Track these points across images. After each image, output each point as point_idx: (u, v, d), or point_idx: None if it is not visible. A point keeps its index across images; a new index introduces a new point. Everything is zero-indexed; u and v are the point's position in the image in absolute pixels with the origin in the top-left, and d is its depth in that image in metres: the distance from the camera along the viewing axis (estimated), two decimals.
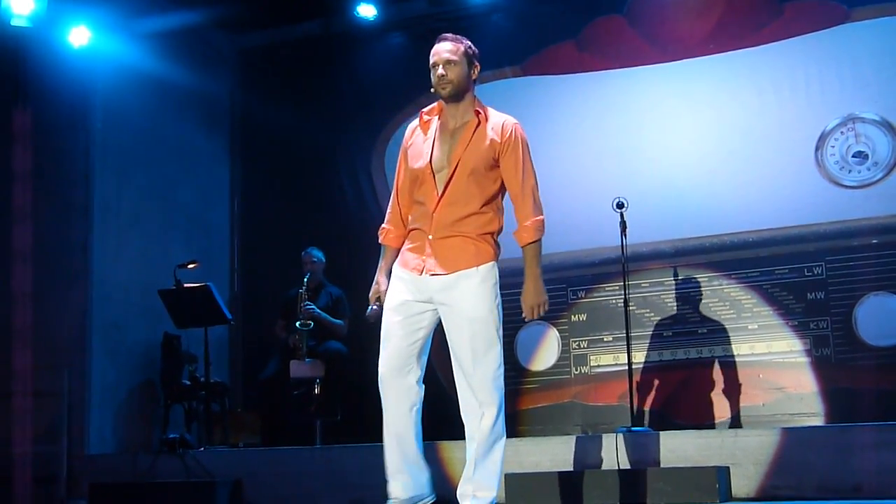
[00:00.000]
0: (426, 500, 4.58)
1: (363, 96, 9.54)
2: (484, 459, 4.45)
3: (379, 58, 9.46)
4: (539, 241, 4.56)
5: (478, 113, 4.57)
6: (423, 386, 4.55)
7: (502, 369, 4.47)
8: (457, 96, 4.53)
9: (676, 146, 8.42)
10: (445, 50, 4.56)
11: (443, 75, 4.50)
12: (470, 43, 4.65)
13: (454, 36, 4.64)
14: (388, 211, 4.79)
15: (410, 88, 8.65)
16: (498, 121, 4.56)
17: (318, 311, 8.25)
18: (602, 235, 8.03)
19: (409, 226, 4.60)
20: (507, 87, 8.89)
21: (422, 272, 4.47)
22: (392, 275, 4.60)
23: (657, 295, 8.30)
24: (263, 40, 10.02)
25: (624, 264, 7.53)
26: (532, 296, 4.54)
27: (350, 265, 9.01)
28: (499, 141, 4.50)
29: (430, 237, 4.47)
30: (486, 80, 8.82)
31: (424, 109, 4.68)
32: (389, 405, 4.49)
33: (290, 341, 8.25)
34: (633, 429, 6.78)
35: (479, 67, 4.64)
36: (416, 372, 4.50)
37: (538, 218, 4.57)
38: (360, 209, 9.36)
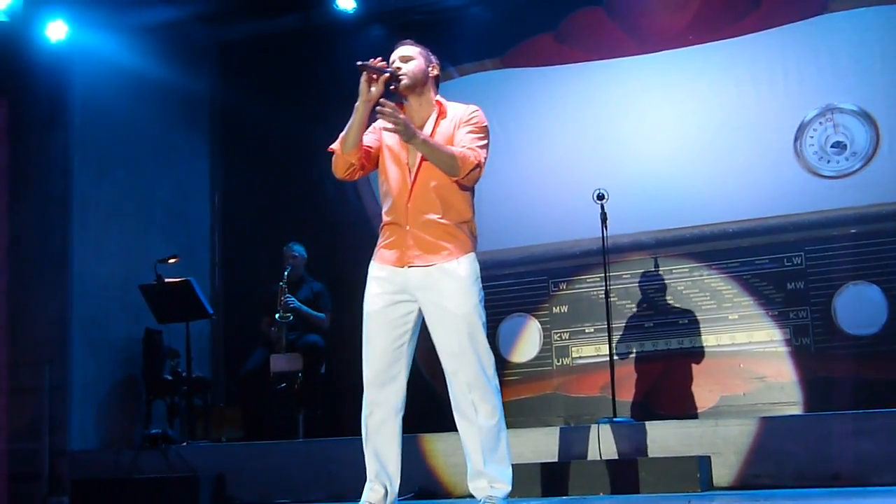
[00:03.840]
0: None
1: (343, 90, 9.40)
2: (493, 453, 4.38)
3: (358, 51, 9.32)
4: (454, 159, 4.38)
5: (439, 104, 4.61)
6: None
7: (493, 361, 4.45)
8: (415, 90, 4.54)
9: (656, 138, 8.42)
10: (402, 50, 4.61)
11: (398, 68, 4.52)
12: (427, 49, 4.67)
13: (412, 41, 4.68)
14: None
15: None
16: (459, 108, 4.60)
17: (299, 304, 8.26)
18: (582, 227, 8.05)
19: (384, 221, 4.57)
20: (487, 79, 8.89)
21: (403, 265, 4.44)
22: (369, 275, 4.55)
23: (638, 286, 8.31)
24: (243, 34, 9.98)
25: (604, 255, 7.54)
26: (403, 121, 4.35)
27: (331, 260, 9.04)
28: (458, 120, 4.54)
29: (408, 228, 4.44)
30: (465, 72, 8.86)
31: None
32: (372, 412, 4.45)
33: (271, 335, 8.27)
34: (615, 420, 6.79)
35: (437, 68, 4.66)
36: (403, 377, 4.46)
37: (471, 155, 4.44)
38: (341, 203, 9.35)
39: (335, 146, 4.57)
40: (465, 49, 8.89)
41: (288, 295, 8.21)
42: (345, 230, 9.29)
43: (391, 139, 4.58)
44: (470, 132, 4.51)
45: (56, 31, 8.42)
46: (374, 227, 8.76)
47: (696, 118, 8.38)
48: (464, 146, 4.45)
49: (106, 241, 8.77)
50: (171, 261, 8.35)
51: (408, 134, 4.33)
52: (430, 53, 4.67)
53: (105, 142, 8.84)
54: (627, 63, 8.64)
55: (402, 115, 4.32)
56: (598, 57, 8.75)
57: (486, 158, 4.50)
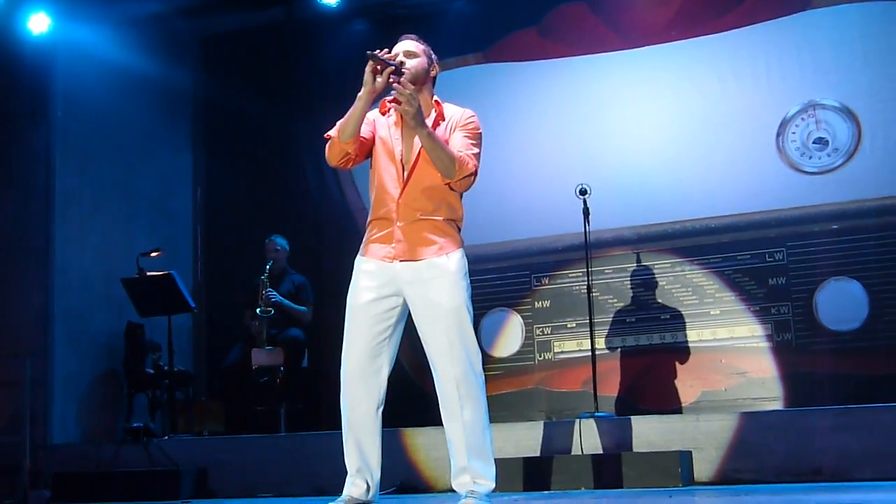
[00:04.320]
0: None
1: (326, 83, 9.52)
2: (478, 450, 4.37)
3: (342, 44, 9.42)
4: (453, 161, 4.36)
5: (438, 104, 4.60)
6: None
7: (480, 356, 4.43)
8: (414, 86, 4.46)
9: (639, 133, 8.47)
10: (406, 44, 4.59)
11: (403, 62, 4.50)
12: (430, 47, 4.66)
13: (416, 37, 4.65)
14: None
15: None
16: (456, 111, 4.58)
17: (280, 297, 8.25)
18: (565, 222, 8.04)
19: (372, 216, 4.54)
20: (470, 74, 8.90)
21: (392, 259, 4.41)
22: (356, 268, 4.52)
23: (620, 281, 8.34)
24: (226, 27, 9.95)
25: (587, 250, 7.52)
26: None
27: (313, 253, 9.07)
28: (455, 123, 4.52)
29: (399, 224, 4.42)
30: (448, 66, 8.80)
31: (386, 98, 4.61)
32: (353, 406, 4.43)
33: (252, 329, 8.27)
34: (597, 414, 6.80)
35: (437, 69, 4.65)
36: (385, 370, 4.44)
37: (469, 162, 4.43)
38: (324, 197, 9.36)
39: (332, 133, 4.51)
40: (447, 44, 8.83)
41: (269, 289, 8.20)
42: (327, 223, 9.31)
43: (385, 132, 4.56)
44: (466, 138, 4.49)
45: (38, 23, 8.38)
46: (356, 220, 8.92)
47: (678, 114, 8.42)
48: (460, 151, 4.44)
49: (88, 234, 8.75)
50: (154, 254, 8.35)
51: (417, 120, 4.31)
52: (431, 52, 4.65)
53: (87, 135, 8.81)
54: (611, 58, 8.68)
55: (415, 100, 4.30)
56: (582, 52, 8.77)
57: (478, 167, 4.48)
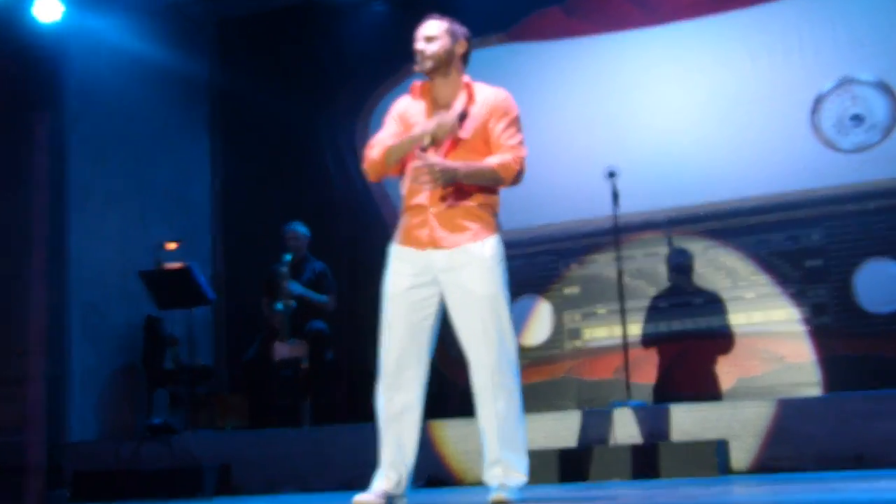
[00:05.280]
0: (403, 501, 4.51)
1: (345, 68, 9.50)
2: (511, 441, 4.35)
3: (361, 28, 9.40)
4: (496, 173, 4.38)
5: (468, 86, 4.54)
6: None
7: (517, 345, 4.41)
8: (439, 70, 4.49)
9: (668, 112, 8.42)
10: (426, 28, 4.55)
11: (421, 51, 4.48)
12: (457, 23, 4.60)
13: (439, 16, 4.60)
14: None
15: (395, 59, 8.61)
16: (489, 92, 4.54)
17: (301, 289, 8.22)
18: (593, 205, 8.05)
19: (406, 202, 4.52)
20: (493, 55, 8.82)
21: (425, 247, 4.41)
22: (390, 256, 4.51)
23: (651, 265, 8.30)
24: (242, 11, 9.95)
25: (616, 234, 7.50)
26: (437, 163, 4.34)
27: (334, 242, 9.08)
28: (490, 108, 4.48)
29: (432, 210, 4.41)
30: None
31: (417, 82, 4.62)
32: (392, 397, 4.40)
33: (273, 321, 8.25)
34: (630, 403, 6.75)
35: (466, 45, 4.58)
36: (425, 363, 4.42)
37: (513, 161, 4.41)
38: (344, 184, 9.35)
39: (374, 155, 4.53)
40: (468, 23, 8.65)
41: (290, 281, 8.17)
42: (348, 211, 9.31)
43: (417, 119, 4.53)
44: (506, 128, 4.46)
45: (50, 11, 8.36)
46: (378, 208, 8.91)
47: (709, 91, 8.35)
48: (501, 145, 4.42)
49: (104, 226, 8.76)
50: (172, 246, 8.35)
51: (448, 179, 4.32)
52: (458, 27, 4.59)
53: (101, 125, 8.81)
54: (638, 35, 8.63)
55: (437, 167, 4.29)
56: (608, 29, 8.72)
57: (526, 154, 4.46)
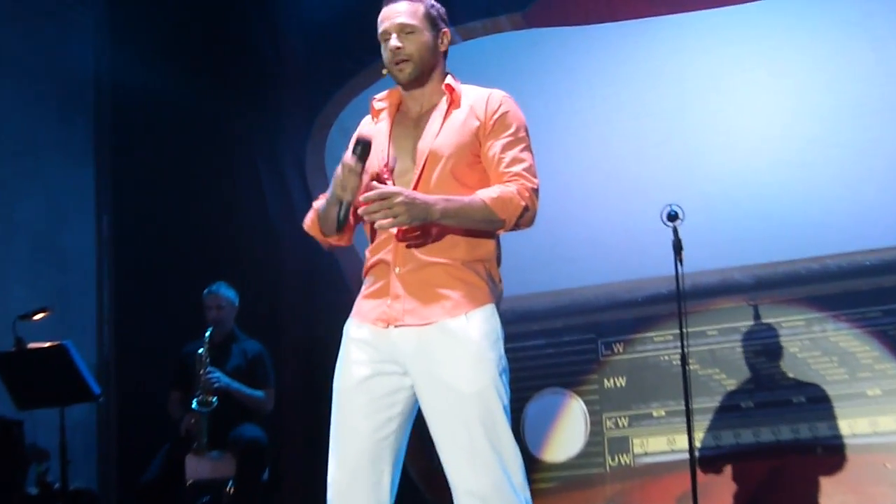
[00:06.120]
0: None
1: (293, 64, 9.49)
2: None
3: (314, 6, 9.38)
4: (491, 212, 4.22)
5: (450, 90, 4.48)
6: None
7: (521, 462, 4.31)
8: (421, 79, 4.47)
9: (751, 127, 8.45)
10: (399, 12, 4.45)
11: (398, 48, 4.39)
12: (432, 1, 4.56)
13: None
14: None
15: (360, 51, 8.70)
16: (479, 95, 4.50)
17: (227, 380, 8.20)
18: (646, 260, 8.15)
19: (367, 260, 4.49)
20: (504, 44, 8.96)
21: (388, 324, 4.33)
22: (344, 336, 4.49)
23: (730, 347, 8.31)
24: None
25: (679, 302, 7.50)
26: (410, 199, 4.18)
27: (276, 312, 8.99)
28: (481, 119, 4.42)
29: (397, 270, 4.35)
30: (473, 34, 8.87)
31: (377, 95, 4.62)
32: None
33: (185, 426, 8.22)
34: None
35: (448, 33, 4.55)
36: (388, 479, 4.37)
37: (516, 193, 4.28)
38: (290, 229, 9.21)
39: (308, 226, 4.59)
40: (471, 3, 8.85)
41: (211, 369, 8.13)
42: (295, 265, 9.23)
43: (380, 144, 4.47)
44: (508, 146, 4.35)
45: None
46: (338, 261, 8.85)
47: (810, 97, 8.37)
48: (500, 171, 4.32)
49: None
50: (38, 316, 8.31)
51: (417, 217, 4.15)
52: (433, 6, 4.53)
53: None
54: (703, 18, 8.66)
55: (398, 198, 4.11)
56: (662, 9, 8.73)
57: (538, 184, 4.33)
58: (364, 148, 4.25)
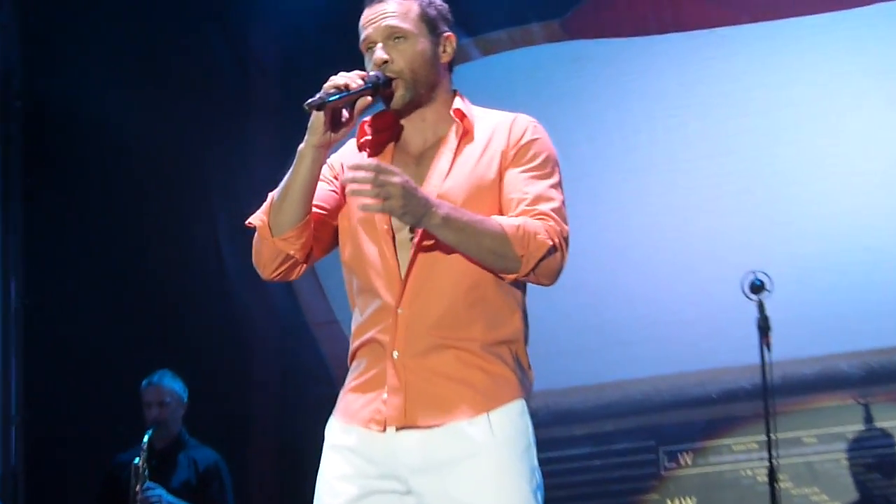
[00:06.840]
0: None
1: (260, 73, 9.58)
2: None
3: (289, 8, 9.48)
4: (506, 241, 4.15)
5: (461, 117, 4.46)
6: None
7: None
8: (417, 101, 4.43)
9: (863, 171, 8.54)
10: (385, 13, 4.43)
11: (384, 61, 4.37)
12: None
13: None
14: None
15: (345, 53, 8.69)
16: (500, 121, 4.48)
17: (171, 498, 8.23)
18: (722, 344, 8.30)
19: (354, 342, 4.47)
20: (536, 59, 9.09)
21: (384, 427, 4.31)
22: (326, 443, 4.45)
23: (833, 459, 8.35)
24: None
25: (766, 399, 7.56)
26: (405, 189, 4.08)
27: (234, 404, 9.03)
28: (503, 149, 4.40)
29: (396, 354, 4.31)
30: (496, 47, 8.88)
31: (367, 119, 4.53)
32: None
33: None
34: None
35: (453, 39, 4.52)
36: None
37: (541, 228, 4.23)
38: (254, 287, 9.24)
39: (258, 220, 4.43)
40: (494, 7, 8.91)
41: (150, 485, 8.17)
42: (262, 350, 9.28)
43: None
44: (532, 177, 4.35)
45: None
46: (316, 343, 8.90)
47: None
48: (523, 210, 4.28)
49: None
50: None
51: (413, 212, 4.11)
52: (434, 7, 4.50)
53: None
54: (798, 26, 8.82)
55: (395, 178, 4.03)
56: (743, 16, 8.86)
57: (568, 230, 4.30)
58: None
